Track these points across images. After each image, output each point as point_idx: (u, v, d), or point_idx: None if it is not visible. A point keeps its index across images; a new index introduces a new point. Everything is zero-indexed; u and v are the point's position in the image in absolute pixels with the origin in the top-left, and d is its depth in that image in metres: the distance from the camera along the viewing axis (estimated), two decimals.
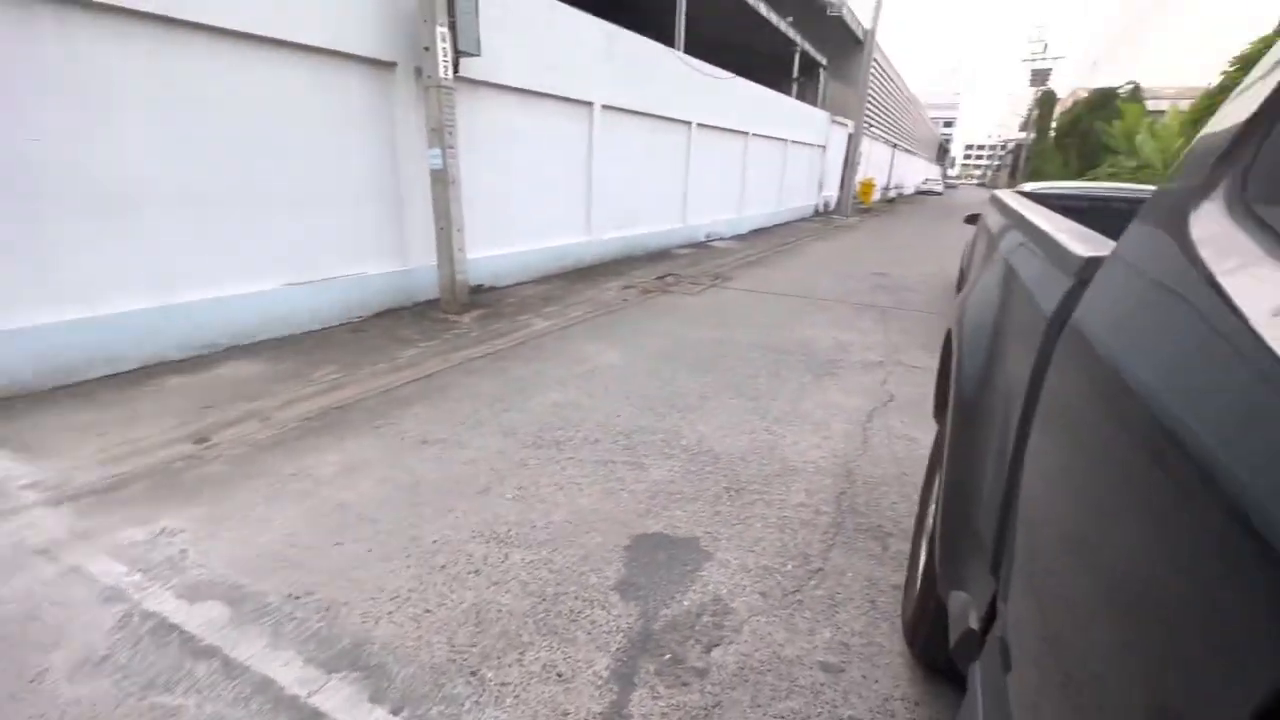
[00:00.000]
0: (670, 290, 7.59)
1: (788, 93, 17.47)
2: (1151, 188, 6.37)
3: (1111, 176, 17.75)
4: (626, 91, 8.88)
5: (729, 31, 16.57)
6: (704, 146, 11.71)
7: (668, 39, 10.25)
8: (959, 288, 7.87)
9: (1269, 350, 0.50)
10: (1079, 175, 21.94)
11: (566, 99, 7.75)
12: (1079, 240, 1.03)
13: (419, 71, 5.48)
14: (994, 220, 1.96)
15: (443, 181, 5.54)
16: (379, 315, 5.75)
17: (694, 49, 11.39)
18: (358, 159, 5.39)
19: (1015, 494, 1.02)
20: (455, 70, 5.44)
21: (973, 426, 1.38)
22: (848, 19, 21.26)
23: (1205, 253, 0.63)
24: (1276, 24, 7.53)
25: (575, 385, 4.23)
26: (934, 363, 4.96)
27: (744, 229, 14.42)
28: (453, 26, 5.28)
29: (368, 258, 5.65)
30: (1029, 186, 5.97)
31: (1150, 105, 20.72)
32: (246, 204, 4.63)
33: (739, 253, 11.18)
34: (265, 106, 4.62)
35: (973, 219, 7.27)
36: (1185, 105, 18.53)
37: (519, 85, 6.94)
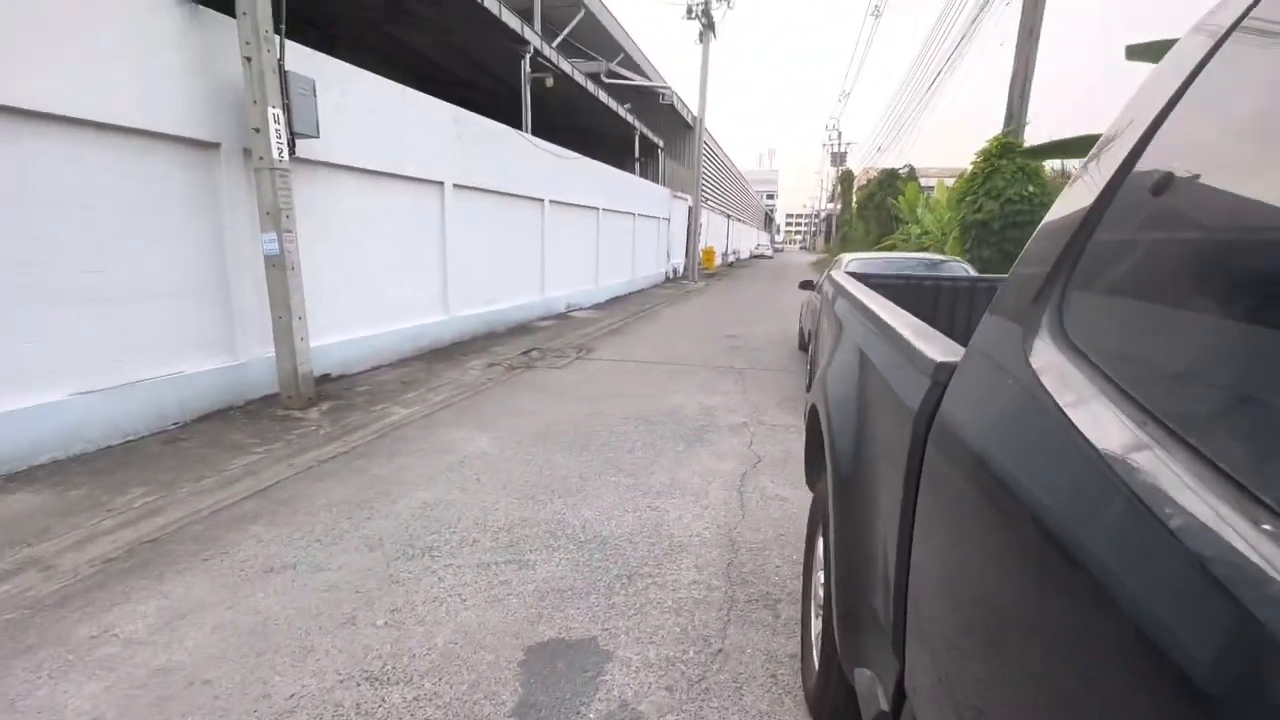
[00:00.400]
0: (536, 366, 7.51)
1: (631, 170, 18.68)
2: (939, 256, 7.56)
3: (903, 241, 21.04)
4: (477, 171, 8.93)
5: (575, 115, 17.54)
6: (558, 221, 12.03)
7: (520, 121, 10.58)
8: (801, 344, 8.70)
9: (1103, 460, 0.61)
10: (878, 240, 25.57)
11: (416, 179, 7.61)
12: (927, 342, 1.18)
13: (248, 152, 5.08)
14: (839, 304, 2.19)
15: (280, 267, 5.08)
16: (204, 419, 5.01)
17: (543, 131, 11.86)
18: (175, 246, 4.79)
19: (907, 579, 1.10)
20: (292, 151, 5.12)
21: (855, 506, 1.48)
22: (678, 107, 23.51)
23: (1047, 381, 0.75)
24: (1003, 126, 9.51)
25: (445, 480, 3.95)
26: (791, 420, 5.39)
27: (602, 298, 14.85)
28: (287, 108, 5.01)
29: (187, 354, 4.94)
30: (852, 266, 6.86)
31: (923, 182, 24.99)
32: (22, 304, 3.88)
33: (600, 322, 11.44)
34: (51, 192, 3.98)
35: (807, 285, 8.17)
36: (950, 182, 22.58)
37: (364, 166, 6.69)
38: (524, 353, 8.24)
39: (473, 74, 14.94)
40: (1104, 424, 0.64)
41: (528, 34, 10.66)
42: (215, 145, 4.99)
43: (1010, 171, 9.01)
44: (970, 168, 9.75)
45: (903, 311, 1.54)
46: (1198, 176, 0.71)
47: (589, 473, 4.11)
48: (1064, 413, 0.69)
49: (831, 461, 1.66)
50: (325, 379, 6.25)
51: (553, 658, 2.30)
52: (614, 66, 18.26)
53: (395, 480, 3.93)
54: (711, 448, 4.66)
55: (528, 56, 11.03)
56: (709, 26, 20.38)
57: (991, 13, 12.20)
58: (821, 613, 1.88)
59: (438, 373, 6.97)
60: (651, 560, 3.00)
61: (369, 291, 6.96)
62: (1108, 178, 0.84)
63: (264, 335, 5.37)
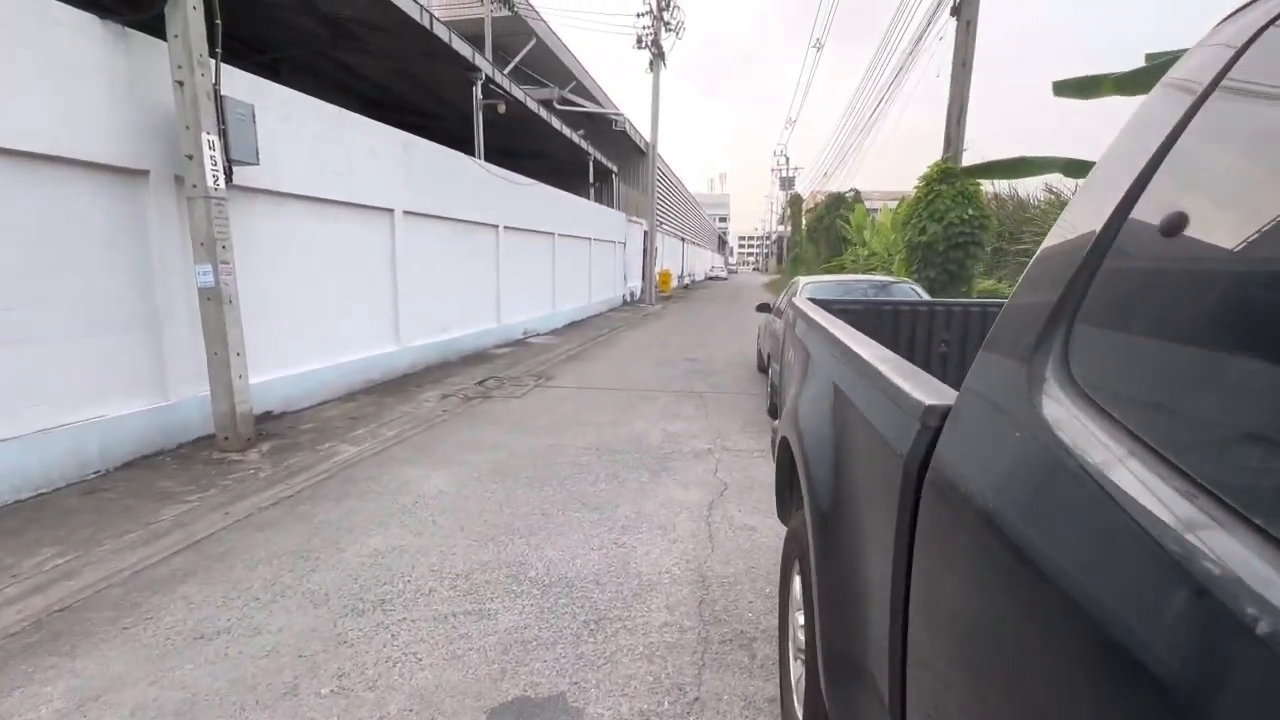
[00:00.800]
0: (493, 395, 7.30)
1: (586, 195, 18.74)
2: (890, 278, 7.75)
3: (852, 261, 21.70)
4: (429, 198, 8.75)
5: (529, 141, 17.53)
6: (513, 247, 11.89)
7: (473, 147, 10.46)
8: (760, 366, 8.75)
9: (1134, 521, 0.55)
10: (829, 261, 26.33)
11: (365, 206, 7.37)
12: (913, 382, 1.13)
13: (180, 180, 4.80)
14: (806, 333, 2.15)
15: (215, 300, 4.79)
16: (129, 466, 4.62)
17: (497, 157, 11.77)
18: (98, 280, 4.45)
19: (905, 636, 1.03)
20: (228, 179, 4.87)
21: (838, 550, 1.41)
22: (630, 133, 23.84)
23: (1067, 437, 0.69)
24: (942, 152, 9.93)
25: (398, 523, 3.73)
26: (754, 444, 5.36)
27: (560, 323, 14.70)
28: (223, 134, 4.77)
29: (110, 396, 4.57)
30: (809, 288, 6.94)
31: (869, 205, 25.97)
32: None
33: (558, 348, 11.28)
34: None
35: (764, 308, 8.25)
36: (893, 205, 23.50)
37: (310, 194, 6.44)
38: (481, 382, 8.01)
39: (425, 100, 14.78)
40: (1141, 490, 0.58)
41: (479, 61, 10.62)
42: (143, 172, 4.70)
43: (951, 195, 9.39)
44: (914, 191, 10.13)
45: (879, 346, 1.49)
46: (1218, 203, 0.67)
47: (551, 508, 3.95)
48: (1091, 476, 0.63)
49: (810, 500, 1.59)
50: (267, 417, 5.90)
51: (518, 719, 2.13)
52: (566, 94, 18.41)
53: (343, 526, 3.68)
54: (677, 476, 4.57)
55: (479, 83, 10.96)
56: (659, 56, 20.83)
57: (927, 46, 12.86)
58: (804, 658, 1.80)
59: (390, 406, 6.68)
60: (620, 602, 2.87)
61: (315, 323, 6.65)
62: (1115, 203, 0.79)
63: (199, 373, 5.03)
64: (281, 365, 6.19)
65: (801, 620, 1.89)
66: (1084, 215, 0.87)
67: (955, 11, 9.57)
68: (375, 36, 10.28)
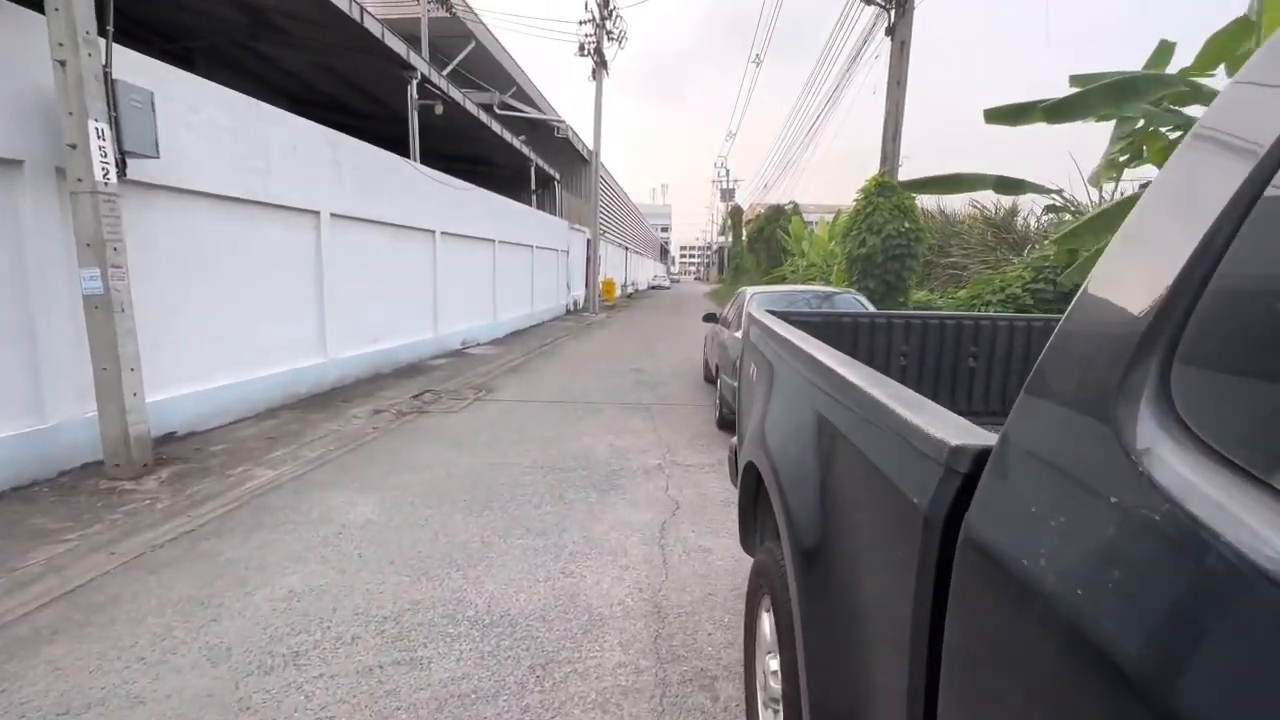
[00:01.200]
0: (429, 410, 6.88)
1: (528, 202, 18.36)
2: (833, 289, 7.81)
3: (792, 272, 22.20)
4: (360, 200, 8.24)
5: (468, 145, 17.01)
6: (452, 254, 11.41)
7: (409, 150, 9.96)
8: (707, 377, 8.67)
9: None
10: (769, 272, 26.87)
11: (287, 207, 6.83)
12: (926, 415, 0.95)
13: (62, 173, 4.23)
14: (770, 349, 2.00)
15: (104, 309, 4.24)
16: None
17: (435, 161, 11.30)
18: None
19: (935, 711, 0.85)
20: (121, 173, 4.34)
21: (828, 597, 1.24)
22: (573, 141, 23.61)
23: (1179, 497, 0.53)
24: (879, 166, 10.22)
25: (318, 558, 3.34)
26: (705, 459, 5.22)
27: (501, 333, 14.25)
28: (115, 122, 4.25)
29: None
30: (758, 301, 6.88)
31: (807, 218, 26.70)
32: None
33: (499, 359, 10.88)
34: None
35: (710, 318, 8.17)
36: (829, 218, 24.23)
37: (220, 192, 5.88)
38: (416, 396, 7.55)
39: (358, 100, 14.09)
40: None
41: (414, 59, 10.16)
42: (16, 163, 4.12)
43: (888, 209, 9.65)
44: (852, 204, 10.36)
45: (872, 371, 1.33)
46: None
47: (492, 536, 3.65)
48: (1240, 561, 0.47)
49: (791, 539, 1.42)
50: (169, 439, 5.30)
51: None
52: (507, 99, 18.00)
53: (254, 564, 3.26)
54: (627, 495, 4.35)
55: (414, 82, 10.49)
56: (601, 64, 20.74)
57: (863, 64, 13.29)
58: (779, 709, 1.62)
59: (315, 423, 6.17)
60: (570, 641, 2.62)
61: (229, 334, 6.07)
62: (1232, 191, 0.61)
63: (85, 390, 4.45)
64: (188, 380, 5.59)
65: (774, 665, 1.71)
66: (1179, 209, 0.70)
67: (890, 32, 9.88)
68: (301, 28, 9.68)
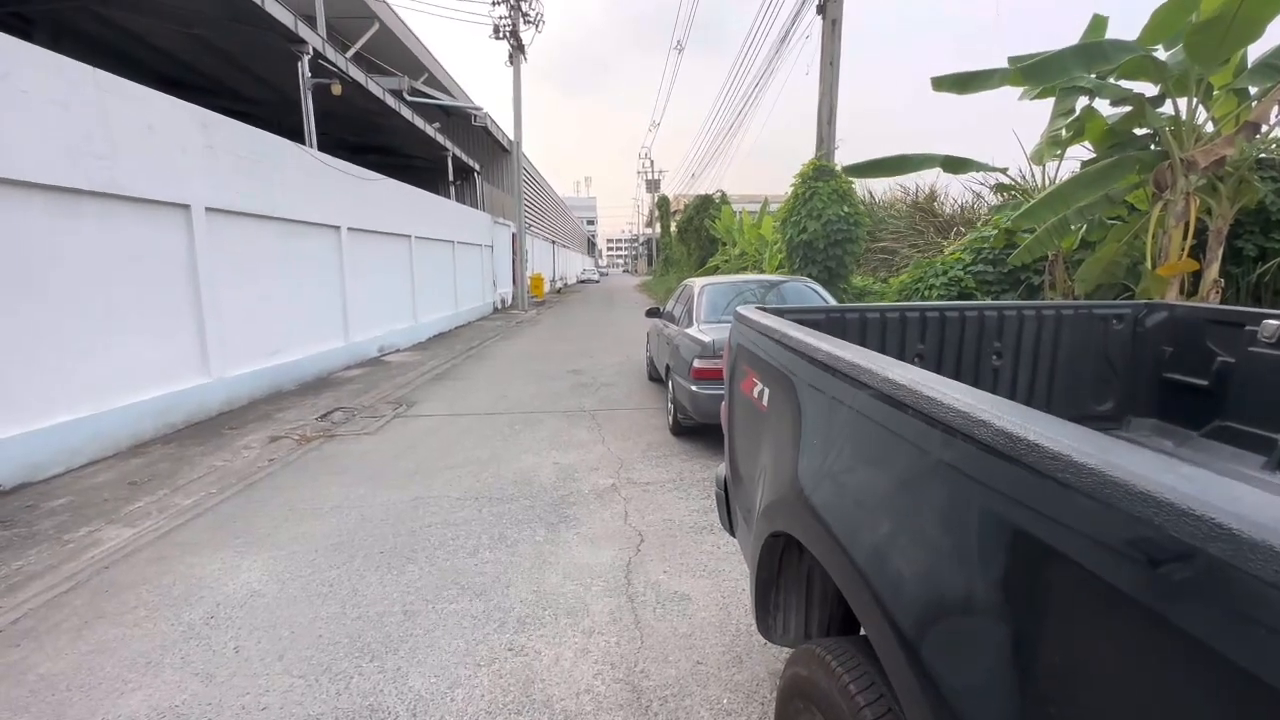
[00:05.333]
0: (338, 433, 5.94)
1: (447, 195, 17.15)
2: (783, 277, 7.38)
3: (725, 262, 22.06)
4: (243, 191, 7.07)
5: (377, 134, 15.62)
6: (362, 253, 10.27)
7: (304, 136, 8.76)
8: (651, 375, 8.10)
9: None
10: (700, 263, 26.69)
11: (143, 200, 5.66)
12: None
13: None
14: (799, 370, 1.41)
15: None
16: None
17: (341, 151, 10.10)
18: None
19: None
20: None
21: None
22: (493, 130, 22.41)
23: None
24: (815, 150, 9.96)
25: (177, 661, 2.50)
26: (663, 474, 4.62)
27: (423, 336, 13.13)
28: None
29: None
30: (709, 293, 6.29)
31: (736, 207, 26.65)
32: None
33: (421, 366, 9.88)
34: None
35: (654, 312, 7.59)
36: (754, 208, 24.28)
37: (51, 181, 4.72)
38: (323, 416, 6.56)
39: (243, 83, 12.49)
40: None
41: (303, 31, 8.94)
42: None
43: (827, 193, 9.40)
44: (790, 189, 10.06)
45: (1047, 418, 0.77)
46: None
47: (418, 602, 2.92)
48: None
49: (906, 661, 0.84)
50: None
51: None
52: (418, 85, 16.70)
53: (80, 682, 2.39)
54: (581, 529, 3.70)
55: (306, 58, 9.27)
56: (518, 48, 19.68)
57: (793, 46, 13.07)
58: None
59: (193, 459, 5.12)
60: None
61: (72, 358, 4.92)
62: None
63: None
64: (19, 418, 4.45)
65: None
66: None
67: (820, 10, 9.60)
68: None
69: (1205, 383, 2.29)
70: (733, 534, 2.20)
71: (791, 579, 1.62)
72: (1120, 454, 0.64)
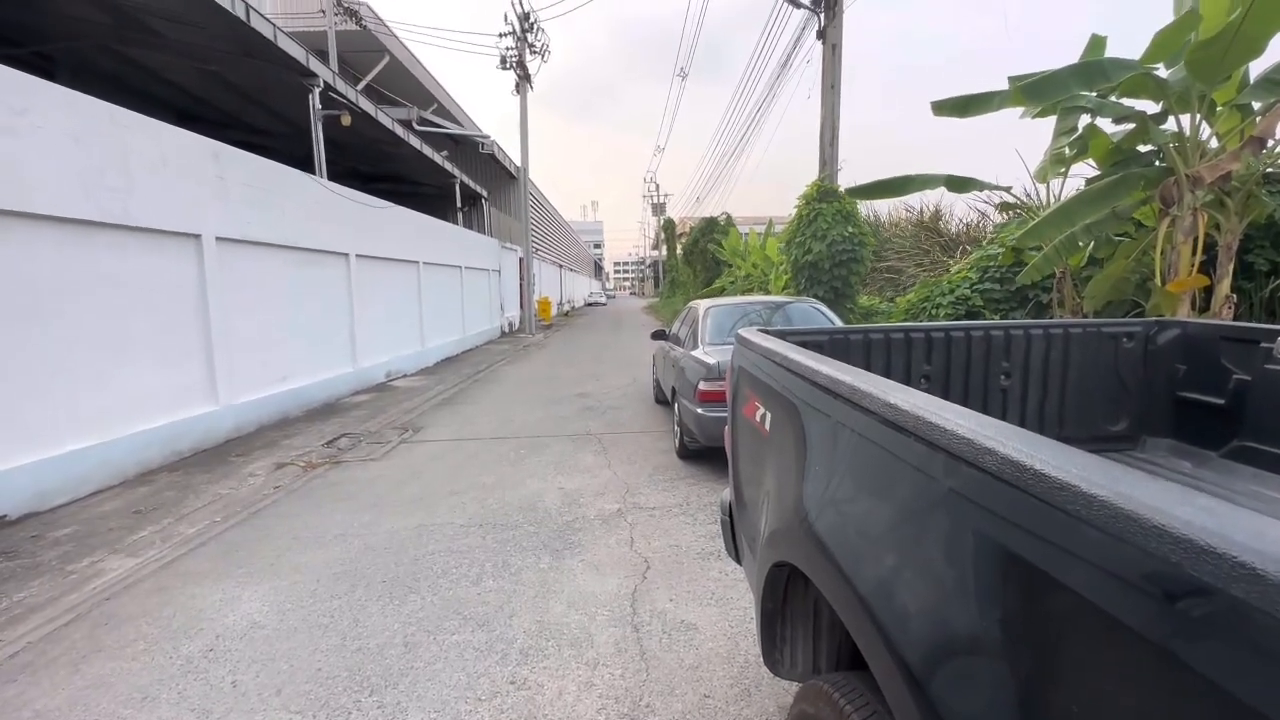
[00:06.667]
0: (344, 460, 5.92)
1: (455, 221, 17.37)
2: (788, 298, 7.34)
3: (731, 283, 22.12)
4: (254, 221, 7.18)
5: (387, 163, 15.91)
6: (370, 279, 10.37)
7: (315, 167, 8.92)
8: (658, 398, 8.06)
9: None
10: (706, 284, 26.79)
11: (157, 231, 5.75)
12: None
13: None
14: (801, 393, 1.38)
15: None
16: None
17: (351, 180, 10.28)
18: None
19: None
20: None
21: None
22: (500, 157, 22.78)
23: None
24: (818, 171, 10.01)
25: (174, 696, 2.46)
26: (670, 498, 4.56)
27: (430, 361, 13.18)
28: None
29: None
30: (714, 315, 6.28)
31: (741, 229, 26.81)
32: None
33: (428, 391, 9.89)
34: None
35: (659, 335, 7.58)
36: (760, 229, 24.43)
37: (64, 214, 4.81)
38: (329, 442, 6.55)
39: (258, 115, 12.79)
40: None
41: (314, 65, 9.17)
42: None
43: (831, 214, 9.43)
44: (795, 211, 10.09)
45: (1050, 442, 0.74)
46: None
47: (419, 633, 2.86)
48: None
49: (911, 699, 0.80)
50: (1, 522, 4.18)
51: None
52: (427, 115, 17.06)
53: (75, 717, 2.35)
54: (586, 555, 3.64)
55: (317, 91, 9.48)
56: (525, 78, 20.07)
57: (794, 71, 13.24)
58: None
59: (199, 487, 5.11)
60: None
61: (82, 387, 4.96)
62: None
63: None
64: (22, 450, 4.48)
65: None
66: None
67: (821, 35, 9.74)
68: (178, 31, 8.53)
69: (1221, 401, 2.23)
70: (738, 561, 2.15)
71: (798, 610, 1.57)
72: (1133, 484, 0.61)
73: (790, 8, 10.38)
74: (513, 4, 19.03)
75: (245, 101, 11.98)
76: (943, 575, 0.84)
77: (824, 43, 9.67)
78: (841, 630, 1.57)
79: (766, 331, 2.12)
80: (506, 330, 21.46)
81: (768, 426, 1.65)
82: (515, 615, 2.99)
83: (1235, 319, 5.13)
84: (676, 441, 5.75)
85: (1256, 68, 4.83)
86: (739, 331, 2.11)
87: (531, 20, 19.87)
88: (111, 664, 2.69)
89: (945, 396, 2.44)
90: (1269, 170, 5.84)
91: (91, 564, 3.71)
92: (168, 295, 5.95)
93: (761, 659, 1.71)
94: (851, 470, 1.14)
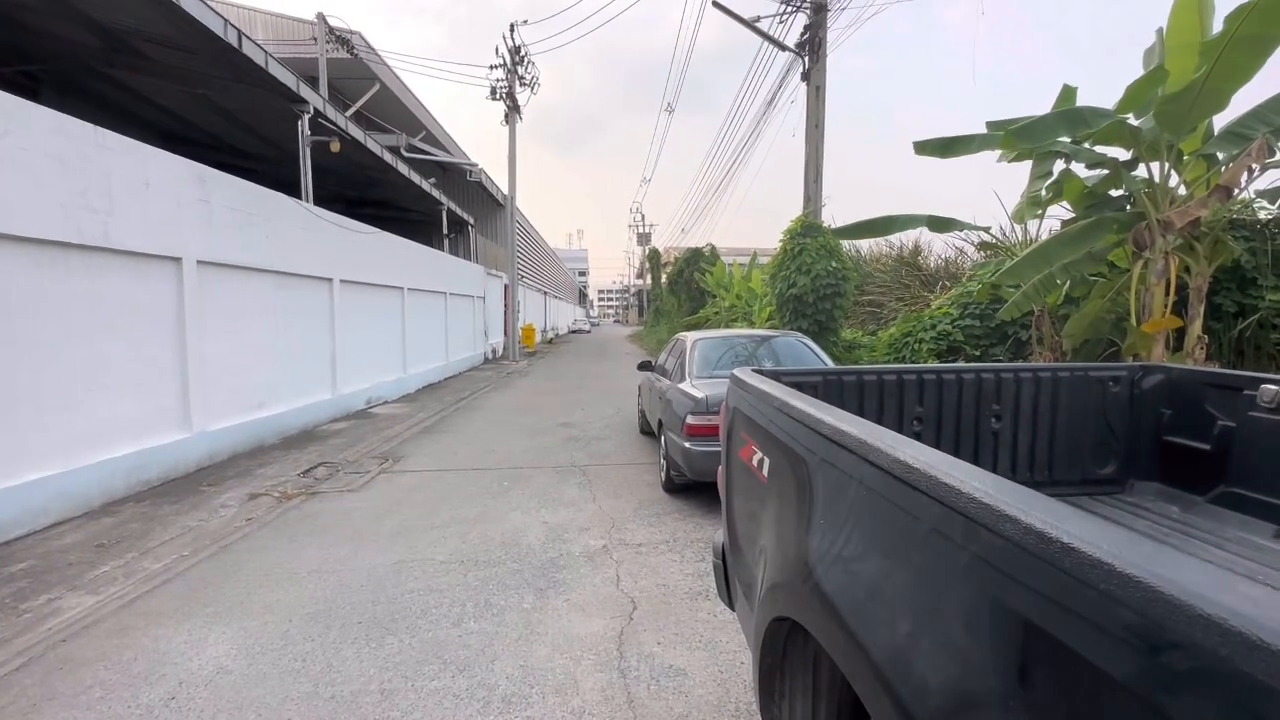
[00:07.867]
0: (320, 490, 5.75)
1: (440, 247, 17.34)
2: (774, 332, 7.39)
3: (715, 313, 22.29)
4: (238, 245, 7.09)
5: (373, 189, 15.91)
6: (353, 304, 10.26)
7: (301, 191, 8.87)
8: (642, 429, 8.01)
9: None
10: (692, 314, 26.99)
11: (137, 254, 5.64)
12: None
13: None
14: (804, 440, 1.36)
15: None
16: None
17: (337, 205, 10.24)
18: None
19: None
20: None
21: None
22: (487, 185, 22.95)
23: None
24: (802, 207, 10.21)
25: None
26: (657, 534, 4.49)
27: (413, 387, 13.00)
28: None
29: None
30: (701, 348, 6.29)
31: (725, 261, 27.17)
32: None
33: (410, 418, 9.72)
34: None
35: (646, 365, 7.56)
36: (744, 261, 24.77)
37: (40, 235, 4.70)
38: (305, 472, 6.37)
39: (246, 140, 12.76)
40: None
41: (304, 91, 9.19)
42: None
43: (815, 249, 9.58)
44: (780, 245, 10.25)
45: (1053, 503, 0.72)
46: None
47: (396, 678, 2.74)
48: None
49: None
50: None
51: None
52: (415, 142, 17.16)
53: None
54: (570, 595, 3.55)
55: (306, 117, 9.50)
56: (514, 108, 20.35)
57: (780, 109, 13.60)
58: None
59: (166, 519, 4.92)
60: None
61: (45, 413, 4.78)
62: None
63: None
64: None
65: None
66: None
67: (805, 78, 10.03)
68: (168, 56, 8.53)
69: (1207, 446, 2.26)
70: (731, 607, 2.10)
71: (797, 664, 1.52)
72: (1169, 564, 0.59)
73: (775, 50, 10.70)
74: (504, 38, 19.42)
75: (232, 125, 11.96)
76: (966, 647, 0.81)
77: (808, 84, 9.96)
78: (841, 685, 1.53)
79: (761, 372, 2.11)
80: (490, 357, 21.32)
81: (766, 472, 1.63)
82: (497, 659, 2.88)
83: (1207, 358, 5.26)
84: (663, 475, 5.69)
85: (1220, 120, 5.07)
86: (734, 372, 2.09)
87: (522, 53, 20.24)
88: (65, 714, 2.52)
89: (938, 439, 2.45)
90: (1234, 217, 6.08)
91: (48, 601, 3.52)
92: (144, 319, 5.81)
93: (759, 712, 1.65)
94: (860, 527, 1.11)
